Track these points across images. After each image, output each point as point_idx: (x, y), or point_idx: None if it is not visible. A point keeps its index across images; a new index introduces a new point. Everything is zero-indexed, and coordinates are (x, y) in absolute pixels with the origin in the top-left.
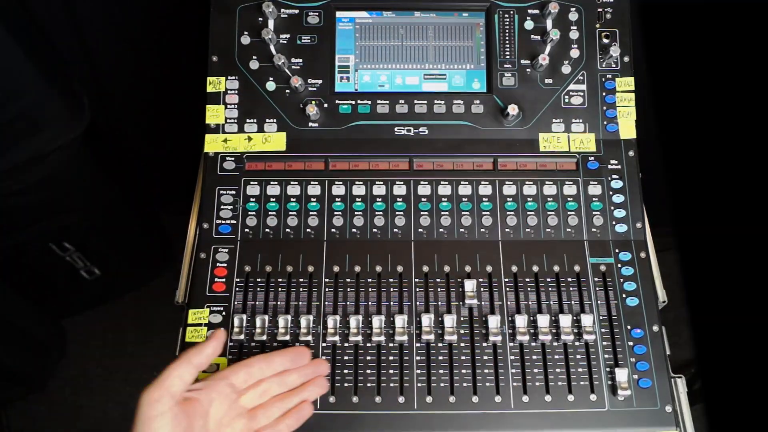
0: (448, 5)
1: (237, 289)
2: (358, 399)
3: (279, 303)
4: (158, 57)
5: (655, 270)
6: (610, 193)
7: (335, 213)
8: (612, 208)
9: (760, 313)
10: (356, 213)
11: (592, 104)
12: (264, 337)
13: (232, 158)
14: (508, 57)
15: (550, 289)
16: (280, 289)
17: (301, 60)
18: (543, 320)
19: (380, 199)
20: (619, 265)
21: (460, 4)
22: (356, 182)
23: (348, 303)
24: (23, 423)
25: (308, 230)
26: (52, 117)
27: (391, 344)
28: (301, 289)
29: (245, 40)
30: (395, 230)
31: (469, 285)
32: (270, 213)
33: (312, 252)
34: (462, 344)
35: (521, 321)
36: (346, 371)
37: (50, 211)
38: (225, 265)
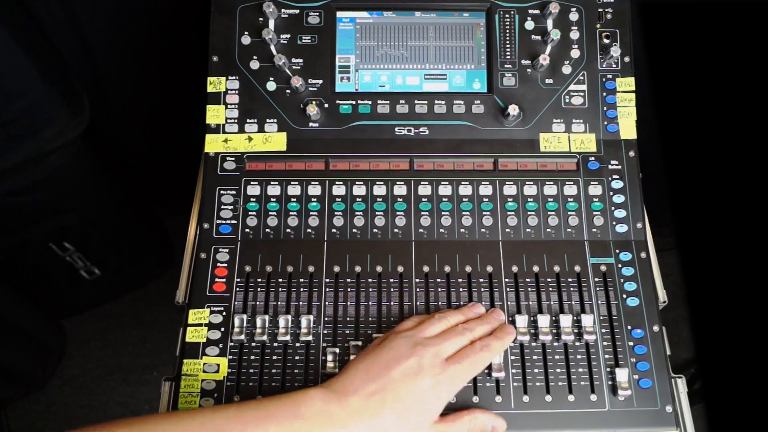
0: (448, 5)
1: (237, 289)
2: None
3: (279, 303)
4: (159, 57)
5: (655, 270)
6: (611, 193)
7: (335, 213)
8: (612, 208)
9: (760, 313)
10: (356, 213)
11: (592, 104)
12: (264, 338)
13: (233, 158)
14: (508, 57)
15: (550, 289)
16: (280, 289)
17: (301, 60)
18: (543, 320)
19: (381, 199)
20: (620, 266)
21: (461, 4)
22: (357, 182)
23: (348, 303)
24: (23, 423)
25: (308, 230)
26: (52, 117)
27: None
28: (301, 289)
29: (246, 40)
30: (395, 230)
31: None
32: (270, 213)
33: (312, 252)
34: None
35: (521, 321)
36: None
37: (50, 211)
38: (225, 265)
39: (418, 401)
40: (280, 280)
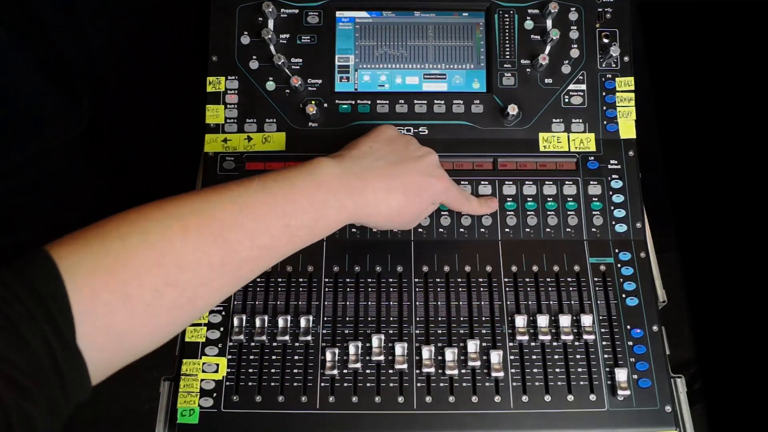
0: (448, 5)
1: None
2: (357, 399)
3: (278, 303)
4: (159, 57)
5: (654, 270)
6: (610, 192)
7: None
8: (612, 207)
9: (760, 313)
10: None
11: (592, 104)
12: (264, 337)
13: (232, 158)
14: (507, 57)
15: (549, 289)
16: (279, 289)
17: (300, 60)
18: (543, 320)
19: None
20: (619, 265)
21: (460, 4)
22: None
23: (347, 303)
24: None
25: None
26: (52, 117)
27: (390, 344)
28: (300, 289)
29: (245, 39)
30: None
31: (520, 320)
32: None
33: (311, 252)
34: (461, 344)
35: (521, 321)
36: (345, 371)
37: (50, 211)
38: None
39: (421, 191)
40: (280, 279)
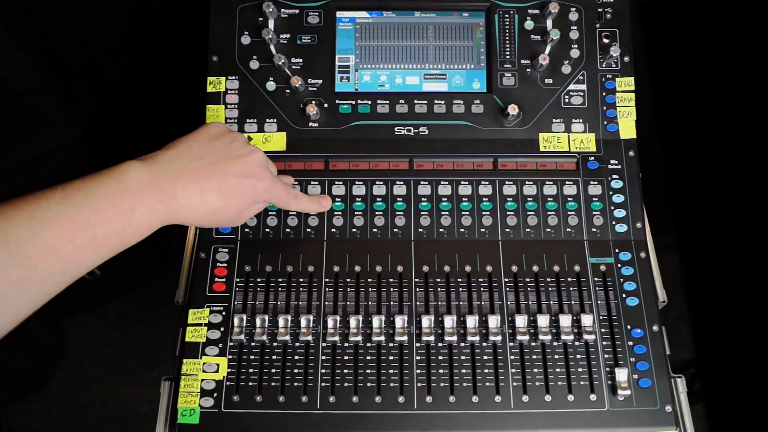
0: (448, 5)
1: (237, 288)
2: (358, 399)
3: (279, 303)
4: (158, 57)
5: (655, 270)
6: (610, 193)
7: (335, 213)
8: (612, 207)
9: (760, 313)
10: (356, 213)
11: (592, 104)
12: (264, 337)
13: None
14: (508, 57)
15: (550, 288)
16: (280, 289)
17: (301, 60)
18: (543, 320)
19: (380, 199)
20: (619, 265)
21: (460, 4)
22: (356, 182)
23: (348, 303)
24: (23, 423)
25: (308, 230)
26: (52, 117)
27: (391, 344)
28: (301, 289)
29: (245, 39)
30: (395, 230)
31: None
32: (270, 213)
33: (312, 252)
34: (462, 344)
35: (521, 321)
36: (346, 371)
37: None
38: (225, 265)
39: (239, 192)
40: (280, 279)
